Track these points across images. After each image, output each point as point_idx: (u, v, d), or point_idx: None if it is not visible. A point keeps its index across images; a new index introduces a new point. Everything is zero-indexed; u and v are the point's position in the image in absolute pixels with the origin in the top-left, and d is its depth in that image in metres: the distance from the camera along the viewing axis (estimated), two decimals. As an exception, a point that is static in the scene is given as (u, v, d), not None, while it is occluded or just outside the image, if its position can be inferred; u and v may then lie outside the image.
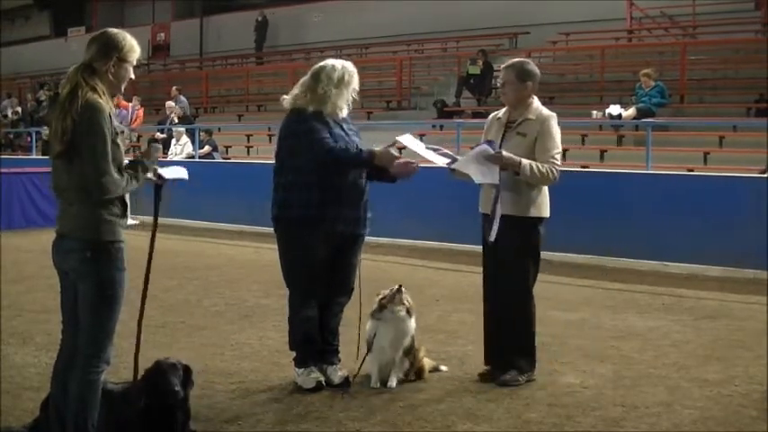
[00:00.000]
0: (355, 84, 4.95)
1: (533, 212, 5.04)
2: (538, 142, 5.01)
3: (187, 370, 4.02)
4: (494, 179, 4.92)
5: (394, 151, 4.94)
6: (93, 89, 3.53)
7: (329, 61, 5.04)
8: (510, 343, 5.10)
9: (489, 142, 5.01)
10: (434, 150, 5.07)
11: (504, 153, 4.93)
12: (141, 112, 19.60)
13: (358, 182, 4.90)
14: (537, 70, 5.18)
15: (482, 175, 4.95)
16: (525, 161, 4.93)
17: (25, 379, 5.06)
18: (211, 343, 6.02)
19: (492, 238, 4.97)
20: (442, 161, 5.02)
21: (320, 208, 4.79)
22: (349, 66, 4.97)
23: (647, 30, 17.78)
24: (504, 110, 5.27)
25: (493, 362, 5.19)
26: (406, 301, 5.00)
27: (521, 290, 5.09)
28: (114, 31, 3.69)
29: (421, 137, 15.47)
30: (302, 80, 5.01)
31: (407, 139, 5.06)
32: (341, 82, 4.88)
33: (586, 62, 16.93)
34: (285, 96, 5.03)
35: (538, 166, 4.95)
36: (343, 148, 4.78)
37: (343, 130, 4.93)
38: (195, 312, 7.15)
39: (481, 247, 5.26)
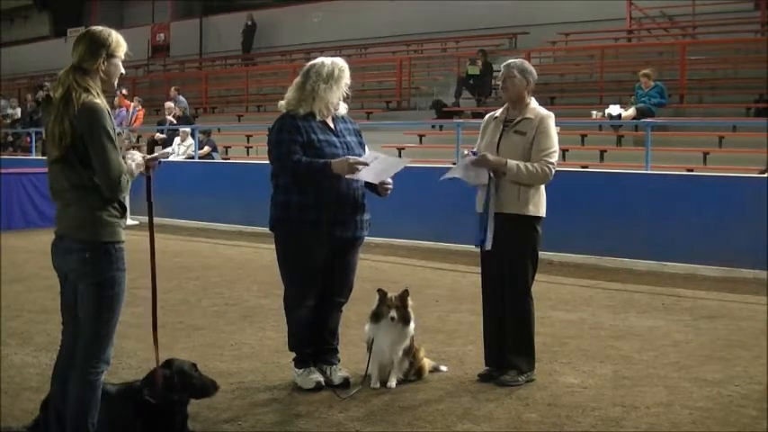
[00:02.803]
0: (346, 78, 4.90)
1: (532, 211, 5.05)
2: (534, 141, 5.03)
3: (183, 373, 4.01)
4: (483, 179, 4.97)
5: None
6: (88, 90, 3.51)
7: (319, 59, 5.02)
8: (509, 343, 5.10)
9: (473, 153, 5.08)
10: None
11: (489, 155, 4.97)
12: (141, 113, 19.67)
13: (353, 185, 4.87)
14: (534, 71, 5.22)
15: (473, 179, 5.02)
16: (512, 161, 4.95)
17: (25, 379, 5.06)
18: (211, 343, 6.02)
19: (488, 246, 4.99)
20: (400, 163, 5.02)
21: (316, 211, 4.79)
22: (339, 61, 4.94)
23: (647, 30, 17.77)
24: (501, 109, 5.28)
25: (493, 362, 5.19)
26: (396, 305, 4.94)
27: (520, 289, 5.09)
28: (98, 28, 3.67)
29: (421, 137, 15.64)
30: (294, 81, 5.01)
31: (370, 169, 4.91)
32: (330, 77, 4.84)
33: (586, 62, 16.92)
34: (281, 102, 5.02)
35: (526, 165, 4.96)
36: (297, 161, 4.73)
37: (333, 131, 4.91)
38: (194, 313, 7.15)
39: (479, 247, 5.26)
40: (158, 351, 3.92)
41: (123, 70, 3.70)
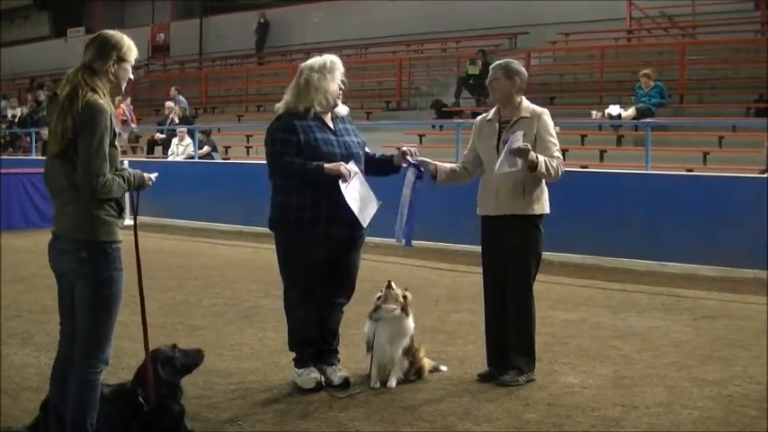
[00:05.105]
0: (340, 69, 4.89)
1: (537, 210, 5.06)
2: (538, 139, 5.02)
3: (168, 361, 4.02)
4: (516, 165, 4.91)
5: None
6: (94, 90, 3.53)
7: (314, 57, 5.05)
8: (510, 342, 5.09)
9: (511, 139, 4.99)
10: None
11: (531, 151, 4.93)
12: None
13: None
14: (523, 70, 5.20)
15: (504, 166, 4.94)
16: (541, 157, 4.95)
17: (24, 379, 5.06)
18: (211, 343, 6.01)
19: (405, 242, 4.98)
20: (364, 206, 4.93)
21: (313, 210, 4.80)
22: (330, 56, 4.95)
23: (647, 30, 17.77)
24: (492, 111, 5.26)
25: (495, 362, 5.19)
26: (399, 298, 4.98)
27: (522, 288, 5.08)
28: (111, 32, 3.71)
29: (420, 137, 15.65)
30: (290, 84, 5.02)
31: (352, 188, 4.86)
32: (323, 67, 4.85)
33: (586, 62, 16.92)
34: (278, 105, 5.02)
35: (550, 163, 4.97)
36: (289, 161, 4.75)
37: (332, 131, 4.92)
38: (194, 312, 7.15)
39: (480, 248, 5.26)
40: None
41: (132, 76, 3.72)
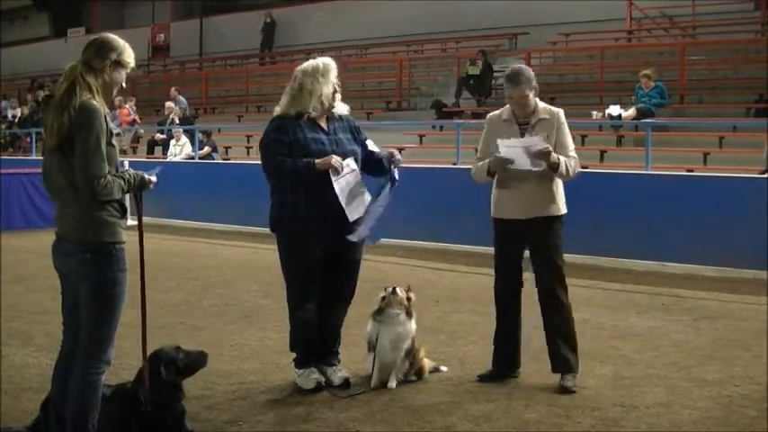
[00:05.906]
0: (333, 73, 4.91)
1: (563, 209, 5.08)
2: (557, 141, 5.02)
3: (170, 362, 4.02)
4: (541, 165, 4.92)
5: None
6: (90, 88, 3.56)
7: (308, 61, 5.07)
8: (564, 344, 5.03)
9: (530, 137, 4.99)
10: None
11: (552, 151, 4.93)
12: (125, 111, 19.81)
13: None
14: (531, 71, 5.16)
15: (527, 164, 4.94)
16: (562, 157, 4.96)
17: (25, 380, 5.07)
18: (211, 344, 6.00)
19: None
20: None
21: (307, 209, 4.83)
22: (325, 59, 4.97)
23: (647, 30, 17.76)
24: (507, 111, 5.18)
25: (500, 364, 5.18)
26: (404, 301, 4.99)
27: (562, 289, 5.05)
28: (113, 35, 3.75)
29: (421, 137, 15.66)
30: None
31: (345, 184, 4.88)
32: (316, 71, 4.88)
33: (586, 62, 16.92)
34: (277, 108, 5.04)
35: (568, 163, 4.99)
36: (281, 160, 4.79)
37: (323, 130, 4.93)
38: (194, 313, 7.16)
39: (485, 248, 5.23)
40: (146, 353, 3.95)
41: (124, 84, 3.74)
